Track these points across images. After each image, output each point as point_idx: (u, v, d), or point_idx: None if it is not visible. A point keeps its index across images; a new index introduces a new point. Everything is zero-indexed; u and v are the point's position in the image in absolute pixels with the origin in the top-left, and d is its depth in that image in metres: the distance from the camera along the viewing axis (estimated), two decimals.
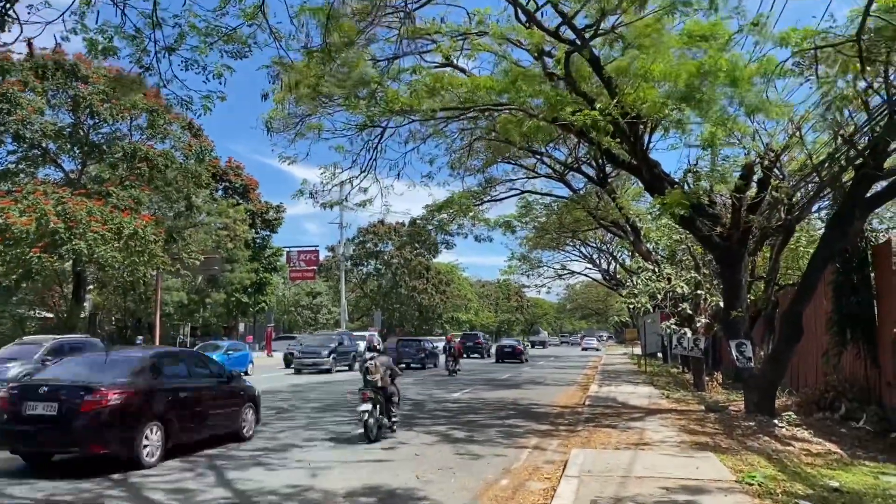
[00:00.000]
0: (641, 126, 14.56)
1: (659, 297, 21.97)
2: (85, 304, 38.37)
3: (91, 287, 37.10)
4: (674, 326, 22.73)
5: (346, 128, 14.60)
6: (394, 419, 12.16)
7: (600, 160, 22.31)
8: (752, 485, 7.05)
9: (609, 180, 24.11)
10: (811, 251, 20.47)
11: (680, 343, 22.97)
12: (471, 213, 32.06)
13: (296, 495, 7.33)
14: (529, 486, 7.84)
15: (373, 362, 11.74)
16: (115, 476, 8.39)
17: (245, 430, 11.56)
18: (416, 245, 67.58)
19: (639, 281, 23.09)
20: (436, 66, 15.42)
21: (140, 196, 30.55)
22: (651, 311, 25.86)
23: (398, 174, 20.28)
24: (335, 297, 68.32)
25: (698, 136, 15.61)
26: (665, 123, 15.96)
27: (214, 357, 25.63)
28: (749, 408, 14.33)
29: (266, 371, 31.38)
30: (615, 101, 13.36)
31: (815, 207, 16.82)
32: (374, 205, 21.50)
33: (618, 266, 51.28)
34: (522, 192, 31.47)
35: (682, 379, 26.30)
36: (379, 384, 11.55)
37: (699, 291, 22.18)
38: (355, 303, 77.63)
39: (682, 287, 22.11)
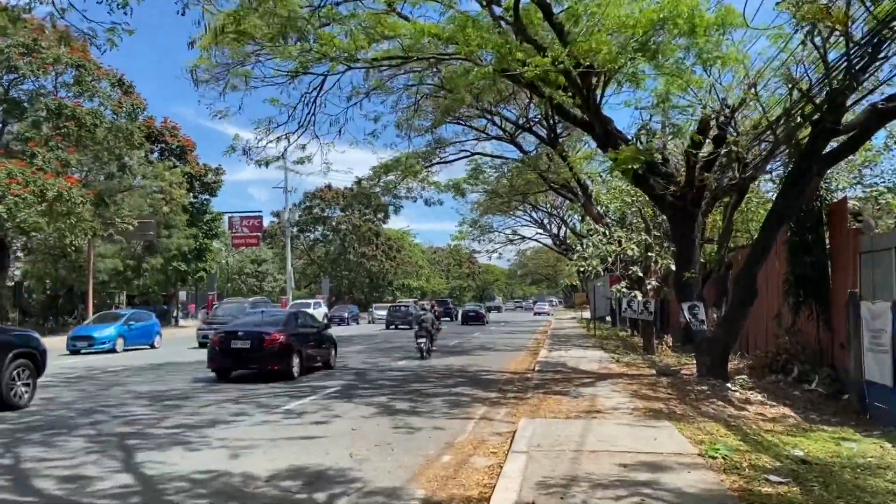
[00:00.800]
0: (594, 79, 13.81)
1: (609, 259, 21.53)
2: (14, 272, 36.33)
3: (19, 254, 35.05)
4: (624, 290, 22.39)
5: (277, 75, 13.43)
6: (433, 349, 21.48)
7: (551, 119, 21.60)
8: (715, 458, 6.46)
9: (560, 141, 23.46)
10: (763, 213, 20.30)
11: (630, 306, 22.67)
12: (420, 176, 31.20)
13: (211, 480, 6.48)
14: (474, 462, 7.12)
15: (425, 315, 21.55)
16: (275, 383, 14.50)
17: (332, 362, 18.25)
18: (363, 208, 66.42)
19: (589, 244, 22.60)
20: (376, 13, 14.36)
21: (67, 157, 28.61)
22: (601, 274, 25.50)
23: (339, 130, 19.19)
24: (281, 265, 66.75)
25: (652, 90, 15.01)
26: (619, 77, 15.27)
27: (112, 328, 24.86)
28: (701, 371, 13.96)
29: (180, 343, 29.02)
30: (567, 50, 12.58)
31: (768, 167, 16.42)
32: (312, 162, 19.82)
33: (568, 231, 51.18)
34: (472, 154, 30.70)
35: (631, 342, 26.14)
36: (429, 329, 20.97)
37: (650, 254, 21.84)
38: (302, 270, 76.14)
39: (632, 249, 21.73)
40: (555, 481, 5.69)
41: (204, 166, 44.75)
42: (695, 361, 15.14)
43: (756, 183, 18.77)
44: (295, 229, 72.72)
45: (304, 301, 47.62)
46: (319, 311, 39.20)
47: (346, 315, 52.15)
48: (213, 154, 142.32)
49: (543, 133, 24.53)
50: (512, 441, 7.61)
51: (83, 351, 23.92)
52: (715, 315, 15.98)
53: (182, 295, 56.45)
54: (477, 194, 34.20)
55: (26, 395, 11.04)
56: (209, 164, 45.21)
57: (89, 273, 34.78)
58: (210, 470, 6.80)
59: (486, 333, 36.39)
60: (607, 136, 14.12)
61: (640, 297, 21.36)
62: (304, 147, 19.14)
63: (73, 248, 29.39)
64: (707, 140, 15.09)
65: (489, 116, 28.66)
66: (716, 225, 20.36)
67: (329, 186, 68.72)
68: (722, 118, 14.54)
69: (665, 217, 21.72)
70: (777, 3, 10.72)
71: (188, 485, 6.25)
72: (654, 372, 15.62)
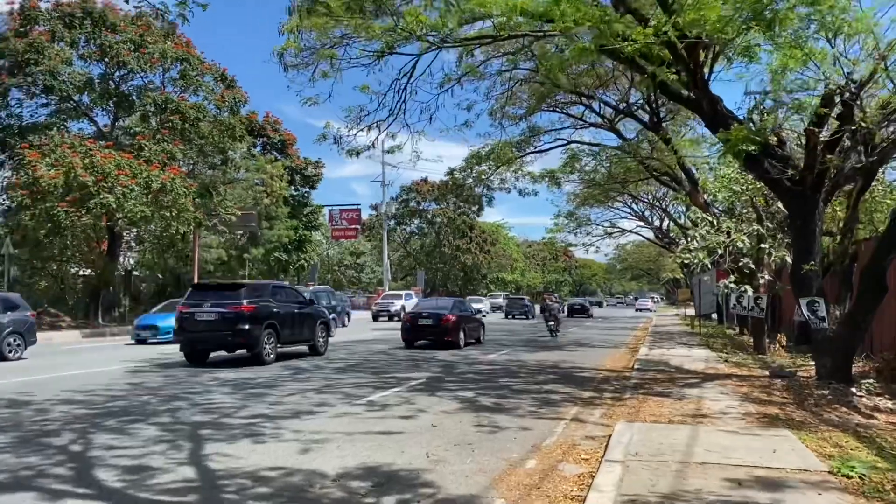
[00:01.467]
0: (702, 52, 12.63)
1: (718, 252, 20.01)
2: (126, 260, 38.07)
3: (132, 244, 36.70)
4: (732, 285, 20.83)
5: (363, 55, 12.99)
6: (556, 332, 27.45)
7: (654, 101, 20.29)
8: (850, 477, 5.45)
9: (664, 125, 22.05)
10: (889, 203, 18.33)
11: (739, 302, 21.05)
12: (514, 167, 30.37)
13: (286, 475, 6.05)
14: (562, 469, 6.37)
15: (551, 304, 28.22)
16: (455, 350, 20.35)
17: (482, 339, 24.16)
18: (457, 200, 66.01)
19: (695, 235, 21.12)
20: None
21: (173, 150, 29.57)
22: (708, 268, 23.90)
23: (430, 118, 18.74)
24: (379, 257, 67.49)
25: (767, 65, 13.65)
26: (729, 52, 13.99)
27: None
28: (821, 374, 12.59)
29: None
30: (671, 20, 11.52)
31: None
32: (402, 151, 19.36)
33: (671, 223, 48.97)
34: (569, 142, 29.47)
35: (740, 341, 24.46)
36: (556, 314, 27.62)
37: (762, 246, 20.20)
38: (399, 262, 76.76)
39: (742, 241, 20.15)
40: (656, 499, 4.89)
41: (304, 160, 45.55)
42: (813, 363, 13.75)
43: (882, 170, 16.98)
44: (392, 222, 73.38)
45: (395, 293, 47.55)
46: (410, 303, 39.08)
47: None
48: (313, 148, 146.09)
49: (645, 118, 23.15)
50: (606, 447, 6.82)
51: (149, 340, 22.60)
52: (837, 312, 14.43)
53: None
54: (572, 185, 32.93)
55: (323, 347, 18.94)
56: (309, 157, 45.99)
57: (195, 262, 35.98)
58: (277, 466, 6.38)
59: (584, 329, 35.23)
60: (716, 116, 12.90)
61: (750, 293, 19.79)
62: (394, 136, 18.88)
63: (179, 237, 30.29)
64: (829, 118, 13.63)
65: (587, 102, 27.48)
66: (834, 217, 18.60)
67: (425, 180, 68.80)
68: (847, 94, 13.05)
69: (780, 206, 20.14)
70: None
71: (250, 482, 5.83)
72: (766, 373, 14.29)
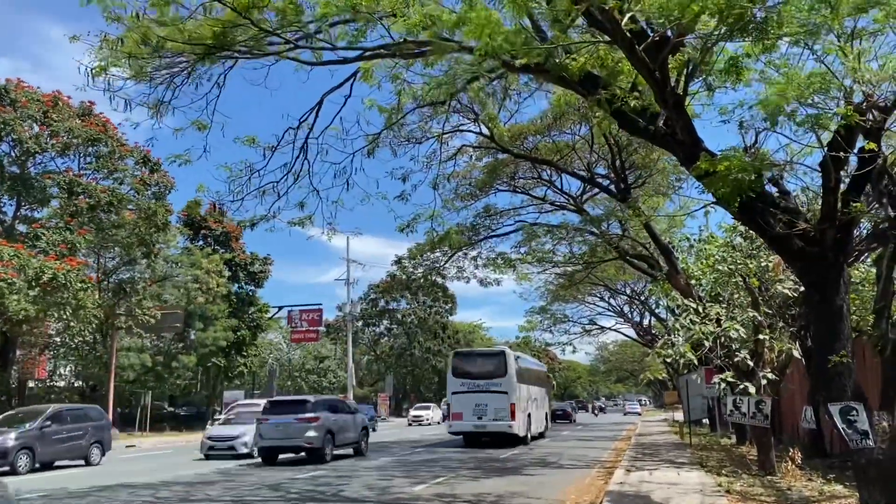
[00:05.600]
0: (671, 57, 9.14)
1: (707, 344, 15.93)
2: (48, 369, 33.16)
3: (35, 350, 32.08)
4: (729, 380, 16.70)
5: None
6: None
7: (618, 161, 16.85)
8: None
9: (632, 193, 18.55)
10: None
11: (737, 408, 16.88)
12: (472, 253, 26.69)
13: None
14: None
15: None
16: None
17: None
18: (426, 298, 62.15)
19: (678, 325, 17.14)
20: None
21: (75, 240, 25.63)
22: (697, 364, 19.73)
23: (346, 182, 15.12)
24: (343, 360, 62.68)
25: (764, 86, 10.15)
26: (708, 76, 10.50)
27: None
28: None
29: (184, 453, 24.05)
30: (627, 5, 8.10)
31: None
32: (313, 224, 15.38)
33: (652, 319, 45.19)
34: (532, 224, 25.84)
35: (739, 454, 20.10)
36: None
37: (760, 336, 16.24)
38: (367, 366, 71.82)
39: (736, 331, 16.18)
40: None
41: (251, 255, 41.74)
42: (857, 494, 9.60)
43: None
44: (360, 323, 69.03)
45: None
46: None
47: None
48: (263, 243, 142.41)
49: (612, 187, 19.72)
50: None
51: None
52: (885, 423, 10.32)
53: (234, 395, 52.75)
54: (535, 273, 29.04)
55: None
56: (256, 252, 42.22)
57: (111, 369, 31.35)
58: None
59: (558, 439, 30.51)
60: (695, 147, 9.26)
61: (751, 395, 15.61)
62: (301, 205, 15.18)
63: (80, 340, 25.93)
64: (847, 153, 10.03)
65: (547, 178, 24.22)
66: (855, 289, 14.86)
67: (393, 276, 65.08)
68: (870, 123, 9.51)
69: (780, 288, 16.34)
70: None
71: None
72: None
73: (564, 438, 31.29)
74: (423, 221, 17.69)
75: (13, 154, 26.28)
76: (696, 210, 16.44)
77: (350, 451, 22.04)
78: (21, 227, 26.17)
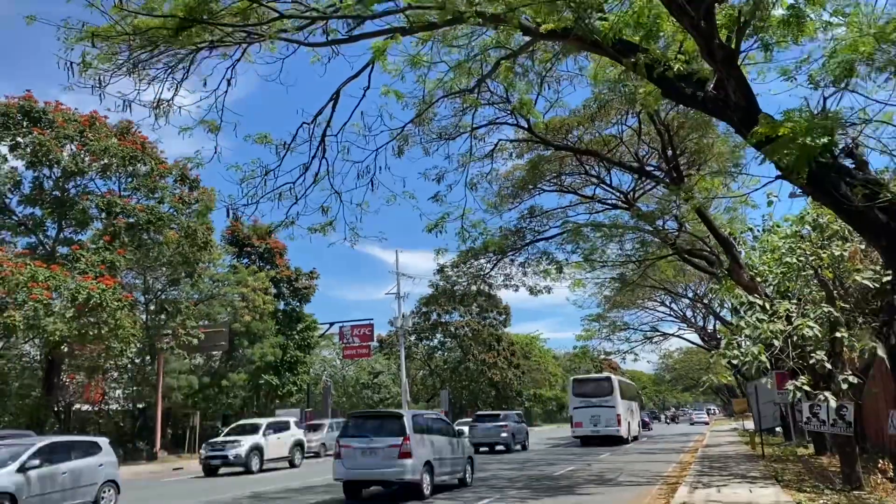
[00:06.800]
0: (719, 12, 7.77)
1: (777, 343, 14.19)
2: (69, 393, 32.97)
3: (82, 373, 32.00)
4: (802, 388, 14.90)
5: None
6: None
7: (669, 144, 15.34)
8: None
9: (686, 179, 16.94)
10: None
11: (815, 415, 15.09)
12: (518, 260, 25.39)
13: None
14: None
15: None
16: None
17: None
18: (479, 310, 60.68)
19: (742, 322, 15.43)
20: None
21: (115, 258, 25.33)
22: (768, 368, 17.86)
23: (371, 182, 14.14)
24: (397, 375, 61.75)
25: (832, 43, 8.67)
26: (761, 28, 9.06)
27: None
28: None
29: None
30: None
31: None
32: (334, 229, 14.34)
33: (717, 323, 42.87)
34: (581, 225, 24.36)
35: (818, 466, 18.20)
36: None
37: (838, 334, 14.46)
38: (422, 381, 70.72)
39: (810, 328, 14.43)
40: None
41: (295, 270, 41.21)
42: None
43: None
44: (413, 337, 68.02)
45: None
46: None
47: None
48: (318, 261, 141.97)
49: (665, 178, 18.17)
50: None
51: None
52: None
53: (289, 413, 52.29)
54: (589, 273, 27.36)
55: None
56: (300, 267, 41.66)
57: (158, 391, 31.06)
58: None
59: (619, 453, 28.75)
60: (750, 108, 7.85)
61: (831, 401, 13.83)
62: (323, 209, 14.26)
63: (128, 361, 25.63)
64: None
65: (595, 174, 22.81)
66: None
67: (436, 286, 63.86)
68: None
69: (859, 277, 14.55)
70: None
71: None
72: None
73: (626, 451, 29.49)
74: (454, 220, 16.44)
75: (53, 177, 26.22)
76: (757, 189, 14.74)
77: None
78: (63, 250, 26.00)
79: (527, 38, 10.03)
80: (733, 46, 7.76)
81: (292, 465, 25.54)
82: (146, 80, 9.10)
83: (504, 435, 31.06)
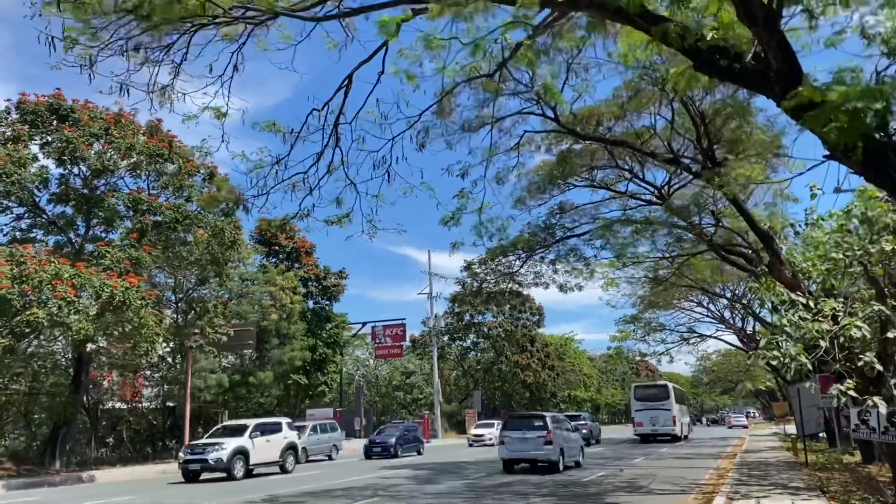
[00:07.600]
0: None
1: (823, 344, 13.22)
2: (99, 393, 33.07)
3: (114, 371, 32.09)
4: (849, 392, 13.88)
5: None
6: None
7: (704, 129, 14.41)
8: None
9: (723, 167, 15.96)
10: None
11: (864, 421, 14.07)
12: (549, 257, 24.65)
13: None
14: None
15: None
16: None
17: None
18: (511, 310, 59.85)
19: (784, 322, 14.47)
20: None
21: (140, 255, 25.17)
22: (810, 371, 16.80)
23: (387, 173, 13.60)
24: (429, 375, 61.24)
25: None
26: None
27: None
28: None
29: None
30: None
31: None
32: (351, 222, 13.81)
33: (756, 324, 41.42)
34: (613, 221, 23.50)
35: (867, 476, 17.11)
36: None
37: (889, 335, 13.42)
38: (455, 381, 70.10)
39: (858, 328, 13.43)
40: None
41: (324, 269, 40.90)
42: None
43: None
44: (445, 337, 67.45)
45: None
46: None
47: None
48: (342, 260, 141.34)
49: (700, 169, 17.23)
50: None
51: None
52: None
53: (321, 413, 52.09)
54: (621, 270, 26.41)
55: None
56: (329, 266, 41.34)
57: (187, 389, 30.94)
58: None
59: (654, 458, 27.76)
60: (794, 76, 7.04)
61: (881, 407, 12.81)
62: (338, 202, 13.76)
63: (159, 358, 25.49)
64: None
65: (628, 168, 21.97)
66: None
67: (463, 284, 63.09)
68: None
69: None
70: None
71: None
72: None
73: (661, 456, 28.47)
74: (469, 213, 15.80)
75: (82, 175, 26.19)
76: (801, 174, 13.77)
77: None
78: (90, 247, 25.95)
79: (545, 14, 9.33)
80: (774, 7, 6.96)
81: (283, 470, 24.04)
82: (140, 61, 8.65)
83: (584, 432, 35.27)
